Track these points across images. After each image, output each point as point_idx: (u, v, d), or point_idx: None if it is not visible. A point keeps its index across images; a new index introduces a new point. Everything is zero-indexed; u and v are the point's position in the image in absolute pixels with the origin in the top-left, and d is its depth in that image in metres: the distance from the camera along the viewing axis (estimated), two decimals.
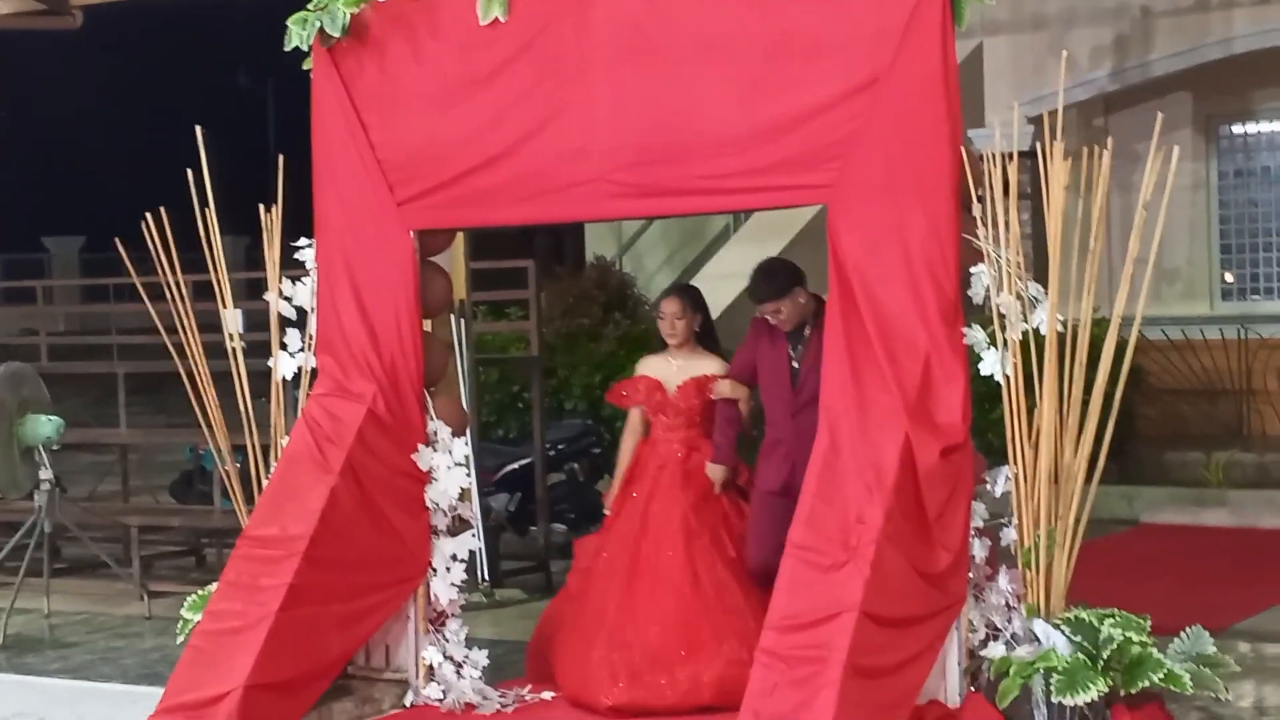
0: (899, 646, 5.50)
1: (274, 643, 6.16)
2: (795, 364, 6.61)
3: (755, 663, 5.44)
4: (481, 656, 6.74)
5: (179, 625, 6.81)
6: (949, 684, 5.80)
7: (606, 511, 6.95)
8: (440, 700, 6.61)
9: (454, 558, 6.71)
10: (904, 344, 5.83)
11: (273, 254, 6.96)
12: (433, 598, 6.69)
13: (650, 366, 7.00)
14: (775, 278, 6.64)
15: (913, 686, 5.57)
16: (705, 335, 6.99)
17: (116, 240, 7.37)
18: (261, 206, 6.98)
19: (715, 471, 6.75)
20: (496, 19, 6.49)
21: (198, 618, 6.52)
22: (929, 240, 5.83)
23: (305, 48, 6.81)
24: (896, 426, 5.73)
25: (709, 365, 6.90)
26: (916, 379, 5.80)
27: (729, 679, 6.21)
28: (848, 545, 5.55)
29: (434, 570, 6.73)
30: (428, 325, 6.94)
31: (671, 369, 6.90)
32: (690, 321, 6.87)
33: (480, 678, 6.71)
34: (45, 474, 8.76)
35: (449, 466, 6.76)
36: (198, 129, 6.85)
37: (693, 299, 6.94)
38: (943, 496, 5.74)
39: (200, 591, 6.85)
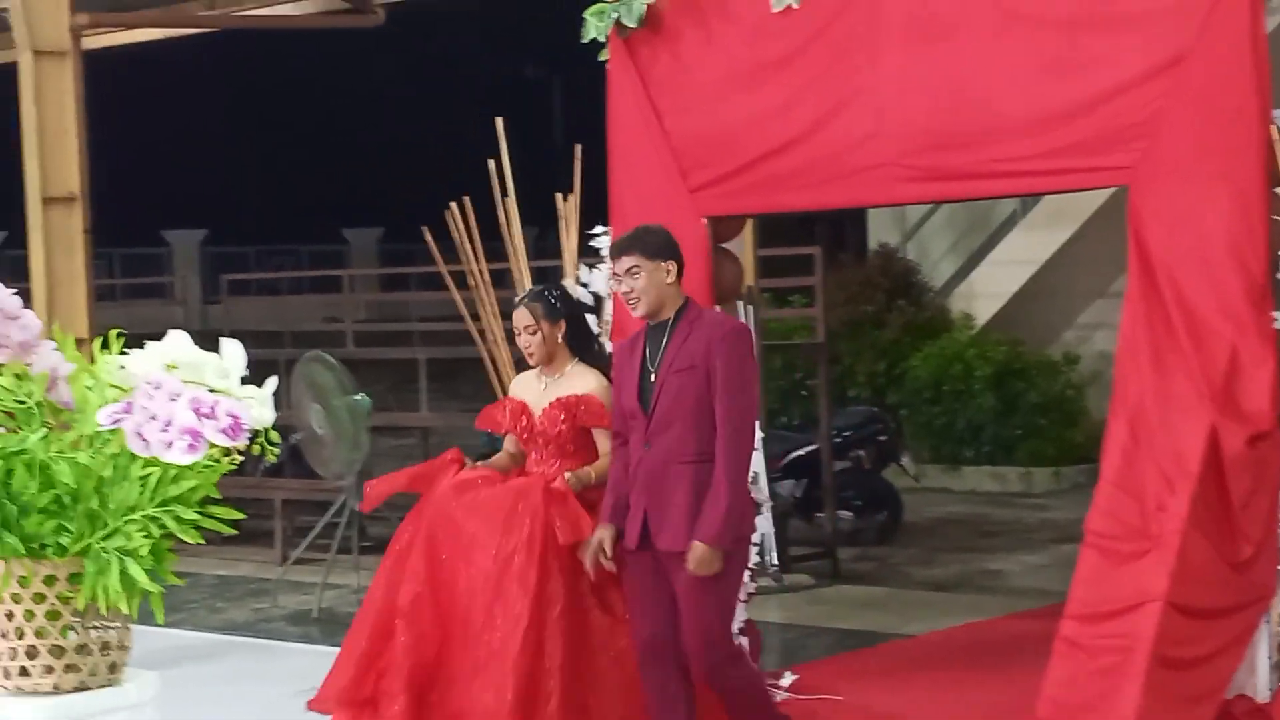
0: (1206, 638, 5.36)
1: None
2: (652, 376, 5.37)
3: (1054, 652, 5.35)
4: None
5: None
6: (1259, 679, 5.62)
7: None
8: None
9: None
10: (1209, 330, 5.63)
11: (570, 241, 7.14)
12: None
13: (520, 387, 5.92)
14: (650, 234, 5.61)
15: (1221, 680, 5.42)
16: (580, 345, 5.85)
17: (425, 229, 7.68)
18: (559, 195, 7.17)
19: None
20: (789, 6, 6.52)
21: None
22: (1236, 222, 5.63)
23: (602, 39, 6.95)
24: (1201, 414, 5.56)
25: (581, 382, 5.74)
26: (1222, 366, 5.61)
27: None
28: (1149, 534, 5.42)
29: None
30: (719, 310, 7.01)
31: (539, 390, 5.78)
32: (549, 333, 5.74)
33: None
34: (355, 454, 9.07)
35: None
36: (498, 120, 7.06)
37: (547, 306, 5.78)
38: (1248, 485, 5.55)
39: None
